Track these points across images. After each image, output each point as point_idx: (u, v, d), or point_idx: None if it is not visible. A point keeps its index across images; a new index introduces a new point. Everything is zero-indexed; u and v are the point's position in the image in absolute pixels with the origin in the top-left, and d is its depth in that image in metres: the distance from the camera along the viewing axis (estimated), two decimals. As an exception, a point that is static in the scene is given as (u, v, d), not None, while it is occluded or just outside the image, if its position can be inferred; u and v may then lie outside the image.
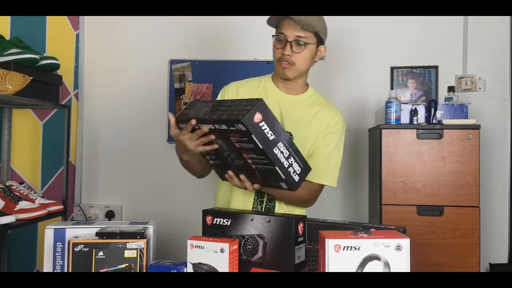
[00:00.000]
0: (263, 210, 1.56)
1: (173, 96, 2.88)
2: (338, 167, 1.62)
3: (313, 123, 1.58)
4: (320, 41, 1.56)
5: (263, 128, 1.16)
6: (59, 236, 1.28)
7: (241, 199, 1.57)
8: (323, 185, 1.60)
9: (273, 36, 1.54)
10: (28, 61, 1.91)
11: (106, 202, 2.93)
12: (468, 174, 2.31)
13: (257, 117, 1.15)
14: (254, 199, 1.56)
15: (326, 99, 1.68)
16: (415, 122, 2.39)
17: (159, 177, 2.87)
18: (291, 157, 1.21)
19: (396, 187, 2.35)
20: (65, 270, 1.24)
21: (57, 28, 2.63)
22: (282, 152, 1.19)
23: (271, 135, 1.17)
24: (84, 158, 2.96)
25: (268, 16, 1.54)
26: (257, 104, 1.16)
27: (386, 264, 1.01)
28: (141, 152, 2.91)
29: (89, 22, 2.96)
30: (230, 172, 1.35)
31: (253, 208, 1.55)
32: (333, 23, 2.77)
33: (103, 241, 1.22)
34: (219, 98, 1.61)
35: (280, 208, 1.57)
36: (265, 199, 1.56)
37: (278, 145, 1.18)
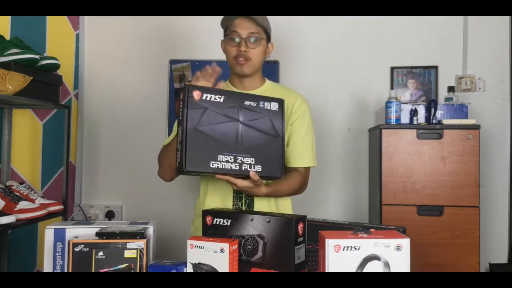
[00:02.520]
0: (243, 206, 1.58)
1: (173, 96, 2.89)
2: (314, 147, 1.68)
3: None
4: (268, 38, 1.62)
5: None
6: (59, 236, 1.28)
7: (218, 198, 1.60)
8: (308, 168, 1.66)
9: (226, 37, 1.60)
10: (28, 61, 1.91)
11: (106, 202, 2.93)
12: (468, 174, 2.31)
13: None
14: (233, 196, 1.58)
15: (285, 87, 1.72)
16: (415, 122, 2.39)
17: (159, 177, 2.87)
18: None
19: (396, 187, 2.35)
20: (65, 270, 1.24)
21: (57, 28, 2.63)
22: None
23: None
24: (84, 158, 2.96)
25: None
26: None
27: (386, 264, 1.01)
28: (141, 152, 2.91)
29: (89, 22, 2.96)
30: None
31: (233, 206, 1.58)
32: (333, 23, 2.80)
33: (103, 241, 1.22)
34: None
35: (259, 202, 1.58)
36: (243, 195, 1.58)
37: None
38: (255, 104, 1.37)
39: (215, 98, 1.32)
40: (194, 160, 1.27)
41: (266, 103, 1.39)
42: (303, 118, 1.63)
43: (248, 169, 1.33)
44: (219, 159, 1.29)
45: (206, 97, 1.31)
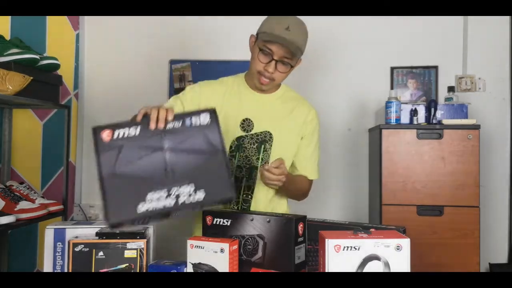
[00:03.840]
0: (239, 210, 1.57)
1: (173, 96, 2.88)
2: (318, 160, 1.70)
3: (290, 119, 1.60)
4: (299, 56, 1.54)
5: None
6: (59, 236, 1.28)
7: None
8: (311, 180, 1.68)
9: (258, 47, 1.48)
10: (28, 61, 1.91)
11: (106, 202, 2.93)
12: (468, 174, 2.31)
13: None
14: None
15: (298, 95, 1.69)
16: (415, 122, 2.39)
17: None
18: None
19: (396, 187, 2.35)
20: (65, 270, 1.24)
21: (57, 28, 2.63)
22: None
23: None
24: (84, 158, 2.96)
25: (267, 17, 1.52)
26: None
27: (386, 264, 1.01)
28: (141, 152, 2.91)
29: (89, 22, 2.96)
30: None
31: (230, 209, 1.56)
32: (333, 23, 2.80)
33: (103, 241, 1.22)
34: (191, 90, 1.60)
35: (256, 208, 1.57)
36: (240, 200, 1.57)
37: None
38: (180, 124, 1.18)
39: (129, 133, 1.16)
40: (117, 210, 1.08)
41: (193, 119, 1.19)
42: (313, 133, 1.64)
43: (186, 202, 1.12)
44: (148, 199, 1.09)
45: (119, 134, 1.15)
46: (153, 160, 1.14)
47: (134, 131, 1.16)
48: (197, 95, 1.57)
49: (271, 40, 1.44)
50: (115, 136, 1.15)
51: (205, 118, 1.20)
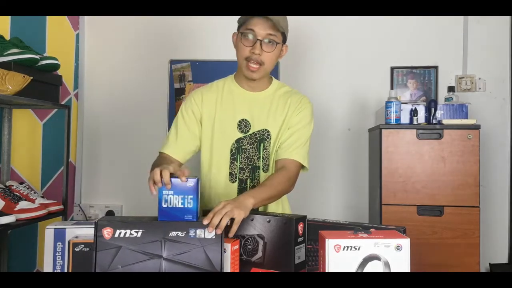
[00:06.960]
0: None
1: (173, 96, 2.89)
2: (307, 150, 1.58)
3: (285, 113, 1.58)
4: (284, 40, 1.55)
5: None
6: (59, 236, 1.28)
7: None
8: (297, 164, 1.55)
9: (240, 33, 1.51)
10: (28, 61, 1.91)
11: (106, 202, 2.93)
12: (468, 174, 2.31)
13: None
14: None
15: (291, 89, 1.65)
16: (415, 122, 2.39)
17: (159, 177, 2.87)
18: None
19: (396, 187, 2.35)
20: (65, 270, 1.24)
21: (57, 28, 2.63)
22: None
23: None
24: (84, 158, 2.96)
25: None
26: None
27: (386, 264, 1.01)
28: (141, 151, 2.91)
29: (89, 22, 2.96)
30: None
31: None
32: (333, 23, 2.80)
33: (103, 241, 1.22)
34: (186, 105, 1.62)
35: (267, 207, 1.56)
36: None
37: None
38: (183, 234, 1.15)
39: (131, 233, 1.14)
40: None
41: (198, 231, 1.16)
42: (302, 118, 1.58)
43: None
44: None
45: (120, 233, 1.14)
46: (149, 268, 1.14)
47: (136, 233, 1.15)
48: (196, 109, 1.59)
49: (251, 16, 1.45)
50: (116, 234, 1.15)
51: (210, 233, 1.17)
